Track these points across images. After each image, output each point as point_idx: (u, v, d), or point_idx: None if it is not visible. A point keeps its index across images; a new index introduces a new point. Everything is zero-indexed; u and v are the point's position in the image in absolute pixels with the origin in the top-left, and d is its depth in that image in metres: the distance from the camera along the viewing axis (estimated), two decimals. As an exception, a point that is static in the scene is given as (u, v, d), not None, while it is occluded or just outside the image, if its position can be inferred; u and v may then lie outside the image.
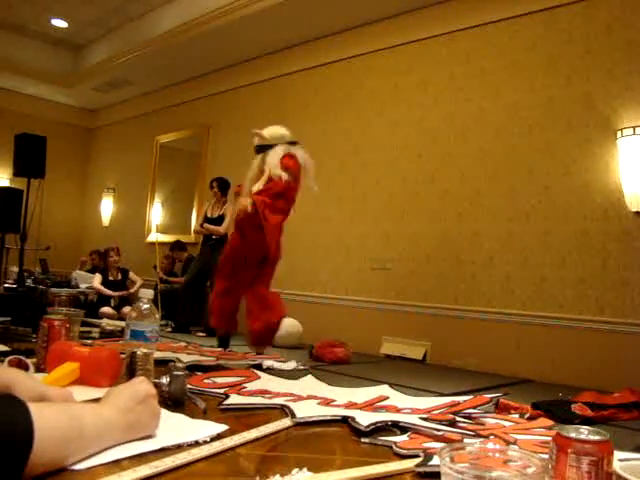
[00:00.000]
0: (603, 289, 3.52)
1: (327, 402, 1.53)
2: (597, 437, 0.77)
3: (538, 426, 1.40)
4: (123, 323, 2.22)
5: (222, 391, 1.57)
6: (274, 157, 3.23)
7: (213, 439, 1.04)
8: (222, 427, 1.11)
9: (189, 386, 1.40)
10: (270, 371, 2.16)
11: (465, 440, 1.19)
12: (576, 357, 3.55)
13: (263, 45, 5.71)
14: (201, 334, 4.71)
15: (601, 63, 3.68)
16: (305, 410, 1.37)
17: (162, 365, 1.49)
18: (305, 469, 0.90)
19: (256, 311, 3.24)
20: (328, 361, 3.39)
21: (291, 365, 2.46)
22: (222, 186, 5.25)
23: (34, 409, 0.75)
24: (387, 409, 1.48)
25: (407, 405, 1.55)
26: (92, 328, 3.00)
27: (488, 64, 4.24)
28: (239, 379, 1.80)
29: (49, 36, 7.00)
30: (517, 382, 3.44)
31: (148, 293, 1.56)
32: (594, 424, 1.85)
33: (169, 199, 7.21)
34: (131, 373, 1.29)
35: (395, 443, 1.12)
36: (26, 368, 1.46)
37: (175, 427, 1.08)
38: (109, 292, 5.62)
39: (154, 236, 6.78)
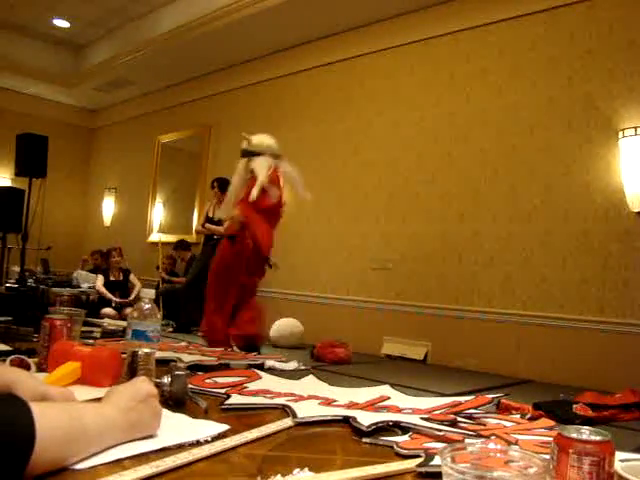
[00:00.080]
0: (604, 289, 3.52)
1: (328, 402, 1.53)
2: (598, 437, 0.77)
3: (539, 426, 1.40)
4: (124, 323, 2.22)
5: (223, 391, 1.56)
6: (262, 169, 3.29)
7: (214, 439, 1.04)
8: (223, 427, 1.11)
9: (190, 386, 1.40)
10: (271, 371, 2.15)
11: (466, 440, 1.19)
12: (576, 357, 3.54)
13: (264, 45, 5.71)
14: (202, 334, 4.70)
15: (602, 63, 3.68)
16: (306, 410, 1.37)
17: (163, 365, 1.48)
18: (306, 469, 0.90)
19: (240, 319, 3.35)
20: (329, 361, 3.39)
21: (292, 365, 2.46)
22: (223, 186, 5.24)
23: (35, 408, 0.75)
24: (388, 409, 1.48)
25: (408, 405, 1.55)
26: (94, 328, 3.00)
27: (489, 64, 4.24)
28: (240, 379, 1.80)
29: (50, 36, 7.01)
30: (517, 382, 3.44)
31: (149, 293, 1.56)
32: (595, 424, 1.85)
33: (170, 199, 7.21)
34: (132, 373, 1.29)
35: (396, 443, 1.12)
36: (27, 368, 1.46)
37: (176, 427, 1.08)
38: (111, 296, 5.64)
39: (156, 236, 6.79)
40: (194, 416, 1.19)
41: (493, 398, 1.70)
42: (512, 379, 3.51)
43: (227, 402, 1.44)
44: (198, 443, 1.00)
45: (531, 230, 3.86)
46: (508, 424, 1.41)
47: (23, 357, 1.51)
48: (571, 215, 3.71)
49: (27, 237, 4.96)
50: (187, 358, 2.15)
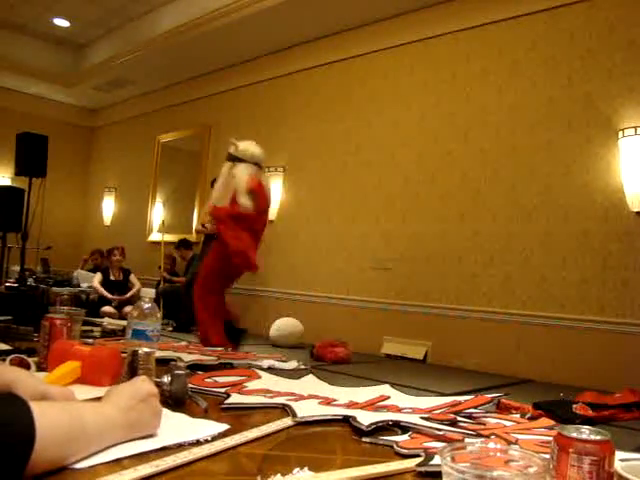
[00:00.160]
0: (604, 289, 3.52)
1: (328, 401, 1.53)
2: (598, 437, 0.77)
3: (539, 426, 1.40)
4: (124, 322, 2.22)
5: (223, 390, 1.57)
6: (242, 176, 3.30)
7: (214, 438, 1.04)
8: (223, 426, 1.11)
9: (190, 385, 1.40)
10: (271, 371, 2.16)
11: (466, 440, 1.19)
12: (577, 357, 3.54)
13: (264, 45, 5.71)
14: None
15: (602, 63, 3.68)
16: (306, 409, 1.37)
17: (163, 364, 1.49)
18: (306, 468, 0.90)
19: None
20: (329, 361, 3.39)
21: (292, 365, 2.46)
22: (223, 186, 5.25)
23: (35, 408, 0.75)
24: (388, 409, 1.48)
25: (408, 405, 1.55)
26: (93, 327, 3.00)
27: (489, 64, 4.24)
28: (240, 378, 1.80)
29: (50, 35, 7.01)
30: (517, 382, 3.44)
31: (149, 292, 1.56)
32: (595, 424, 1.85)
33: (170, 199, 7.21)
34: (132, 372, 1.29)
35: (396, 443, 1.12)
36: (27, 367, 1.46)
37: (176, 426, 1.08)
38: (107, 294, 5.61)
39: (157, 235, 6.79)
40: (194, 415, 1.19)
41: (493, 398, 1.70)
42: (512, 379, 3.51)
43: (227, 401, 1.44)
44: (198, 442, 1.00)
45: (531, 230, 3.86)
46: (508, 424, 1.41)
47: (23, 356, 1.52)
48: (571, 215, 3.71)
49: (27, 236, 4.96)
50: (187, 357, 2.15)
